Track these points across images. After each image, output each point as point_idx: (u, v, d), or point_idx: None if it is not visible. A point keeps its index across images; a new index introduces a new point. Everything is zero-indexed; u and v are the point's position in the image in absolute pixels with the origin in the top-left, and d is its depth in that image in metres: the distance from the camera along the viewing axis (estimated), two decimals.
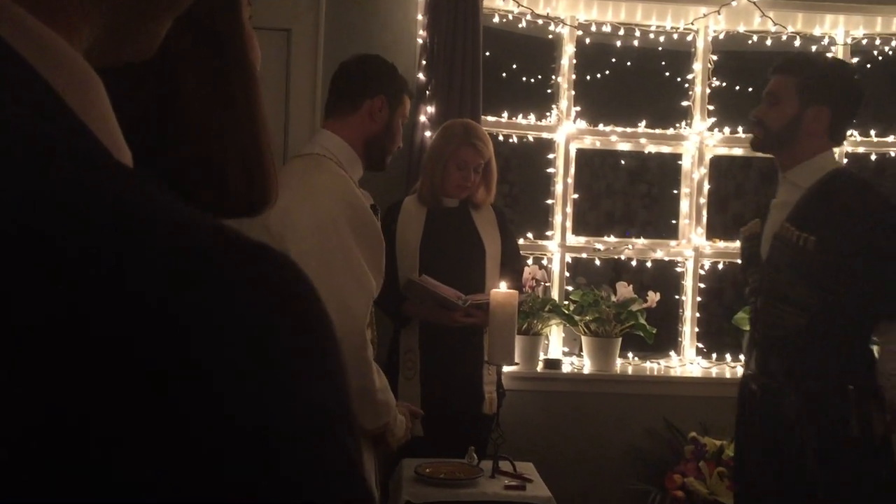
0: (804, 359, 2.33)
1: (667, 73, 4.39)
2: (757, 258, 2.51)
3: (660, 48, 3.94)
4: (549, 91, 4.00)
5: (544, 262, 3.80)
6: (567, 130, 3.80)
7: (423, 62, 3.48)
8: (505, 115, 3.80)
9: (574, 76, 3.84)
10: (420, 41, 3.51)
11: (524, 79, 4.81)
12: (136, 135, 0.48)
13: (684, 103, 3.91)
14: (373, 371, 2.05)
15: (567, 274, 3.84)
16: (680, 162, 3.97)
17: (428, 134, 3.42)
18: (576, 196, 3.86)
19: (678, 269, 3.94)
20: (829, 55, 3.63)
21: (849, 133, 3.83)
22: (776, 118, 2.44)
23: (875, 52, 3.88)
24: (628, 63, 4.40)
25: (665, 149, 3.98)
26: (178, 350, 0.31)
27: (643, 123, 3.89)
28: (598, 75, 4.52)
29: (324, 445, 0.34)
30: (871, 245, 2.27)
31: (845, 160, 3.88)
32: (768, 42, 3.84)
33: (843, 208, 2.33)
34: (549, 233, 3.85)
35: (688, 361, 3.83)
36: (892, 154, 4.00)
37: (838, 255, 2.28)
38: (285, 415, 0.33)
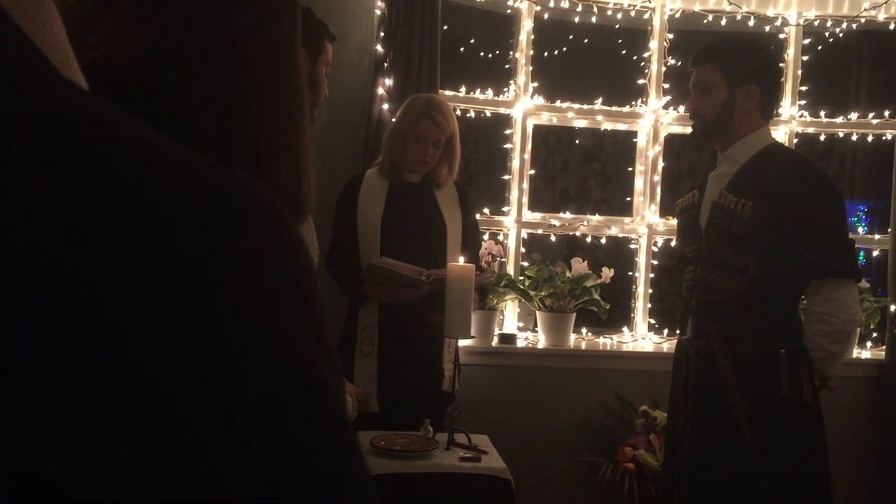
0: (739, 322, 2.44)
1: (623, 51, 4.41)
2: (695, 228, 2.59)
3: (616, 26, 3.96)
4: (506, 66, 3.99)
5: (500, 237, 3.81)
6: (524, 106, 3.81)
7: (381, 34, 3.45)
8: (462, 89, 3.78)
9: (532, 52, 3.83)
10: (378, 13, 3.47)
11: (482, 53, 4.80)
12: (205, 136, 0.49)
13: (640, 81, 3.94)
14: None
15: (523, 249, 3.86)
16: (635, 140, 4.00)
17: (386, 106, 3.40)
18: (532, 172, 3.88)
19: (632, 246, 3.98)
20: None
21: (798, 114, 3.92)
22: (709, 107, 2.53)
23: (827, 34, 3.95)
24: (585, 40, 4.42)
25: (621, 126, 4.01)
26: (137, 270, 0.30)
27: (599, 101, 3.91)
28: (556, 52, 4.52)
29: (307, 388, 0.34)
30: (801, 209, 2.38)
31: (795, 140, 3.95)
32: (723, 22, 3.87)
33: (777, 176, 2.44)
34: (505, 208, 3.86)
35: (640, 336, 3.89)
36: (841, 135, 4.09)
37: (772, 219, 2.39)
38: (267, 353, 0.33)
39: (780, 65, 2.62)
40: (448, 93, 3.69)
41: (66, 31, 0.39)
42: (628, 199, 4.03)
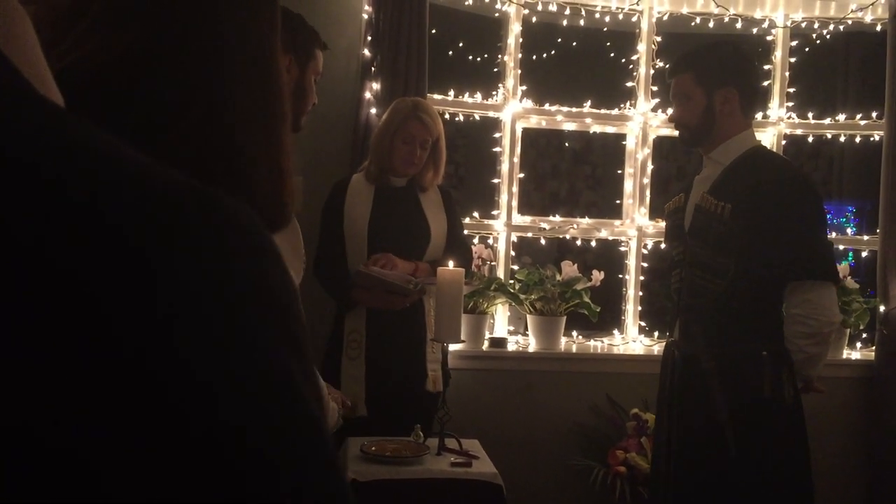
0: (723, 324, 2.45)
1: (612, 54, 4.41)
2: (680, 231, 2.61)
3: (605, 28, 3.96)
4: (495, 70, 3.99)
5: (490, 241, 3.81)
6: (513, 109, 3.80)
7: (369, 38, 3.44)
8: (451, 93, 3.78)
9: (520, 55, 3.83)
10: (365, 17, 3.46)
11: (470, 57, 4.80)
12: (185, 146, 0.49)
13: (628, 84, 3.94)
14: None
15: (512, 253, 3.86)
16: (624, 142, 4.00)
17: (374, 111, 3.39)
18: (521, 175, 3.88)
19: (622, 249, 3.98)
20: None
21: (786, 115, 3.93)
22: (691, 115, 2.57)
23: (814, 36, 3.96)
24: (574, 43, 4.42)
25: (609, 129, 4.01)
26: (140, 294, 0.31)
27: (588, 103, 3.91)
28: (545, 55, 4.53)
29: (281, 400, 0.34)
30: (778, 211, 2.39)
31: (783, 142, 3.96)
32: (711, 24, 3.88)
33: (755, 178, 2.45)
34: (494, 212, 3.85)
35: (630, 339, 3.89)
36: (829, 136, 4.10)
37: (750, 221, 2.40)
38: (241, 360, 0.33)
39: (763, 65, 2.62)
40: (436, 96, 3.69)
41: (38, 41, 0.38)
42: (618, 201, 4.03)
